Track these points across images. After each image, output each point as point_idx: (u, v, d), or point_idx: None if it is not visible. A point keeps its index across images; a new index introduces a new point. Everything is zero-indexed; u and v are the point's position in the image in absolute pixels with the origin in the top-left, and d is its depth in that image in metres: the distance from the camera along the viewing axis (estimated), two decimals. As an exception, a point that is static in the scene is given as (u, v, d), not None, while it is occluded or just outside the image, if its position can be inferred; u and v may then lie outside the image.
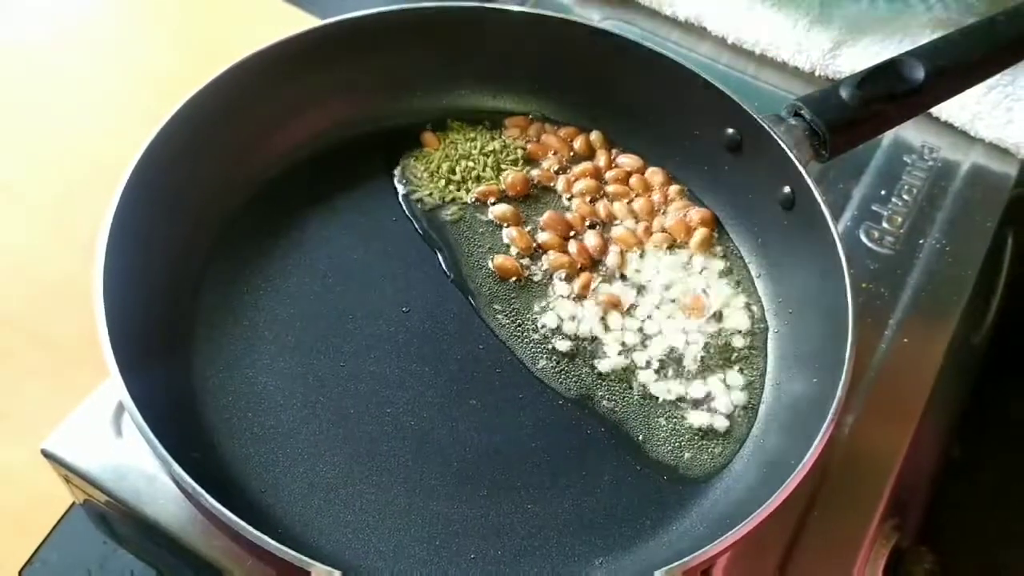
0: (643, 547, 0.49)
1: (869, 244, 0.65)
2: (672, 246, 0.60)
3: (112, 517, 0.53)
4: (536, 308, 0.57)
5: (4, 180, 0.76)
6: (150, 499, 0.50)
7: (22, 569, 0.59)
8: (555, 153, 0.63)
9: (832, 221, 0.52)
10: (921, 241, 0.65)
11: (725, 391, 0.54)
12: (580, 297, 0.57)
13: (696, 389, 0.54)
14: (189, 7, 0.91)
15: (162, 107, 0.54)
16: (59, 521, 0.60)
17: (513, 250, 0.59)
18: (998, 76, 0.66)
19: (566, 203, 0.62)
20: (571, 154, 0.64)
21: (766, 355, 0.56)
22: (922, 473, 0.59)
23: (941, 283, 0.63)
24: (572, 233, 0.60)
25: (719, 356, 0.56)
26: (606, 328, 0.56)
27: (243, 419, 0.51)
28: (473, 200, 0.61)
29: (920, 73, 0.56)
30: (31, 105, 0.81)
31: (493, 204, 0.61)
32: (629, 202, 0.62)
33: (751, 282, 0.59)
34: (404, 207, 0.61)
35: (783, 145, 0.55)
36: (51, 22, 0.87)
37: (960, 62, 0.58)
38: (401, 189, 0.61)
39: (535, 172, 0.62)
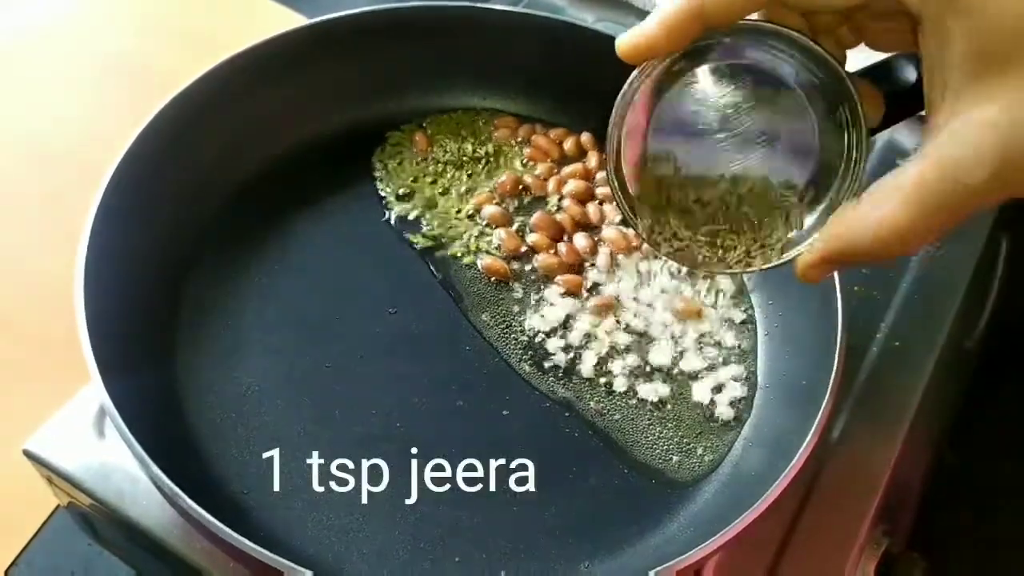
0: (630, 550, 0.48)
1: (861, 247, 0.64)
2: (662, 248, 0.59)
3: (95, 519, 0.53)
4: (524, 310, 0.57)
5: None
6: (133, 501, 0.49)
7: (7, 571, 0.58)
8: (547, 157, 0.63)
9: (822, 223, 0.52)
10: (914, 244, 0.65)
11: (714, 395, 0.54)
12: (569, 299, 0.57)
13: (685, 392, 0.54)
14: (175, 5, 0.91)
15: (146, 106, 0.54)
16: (44, 524, 0.60)
17: (502, 251, 0.59)
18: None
19: (556, 205, 0.61)
20: (561, 155, 0.63)
21: (756, 358, 0.56)
22: (913, 478, 0.58)
23: (933, 287, 0.63)
24: (562, 235, 0.60)
25: (708, 359, 0.55)
26: (594, 330, 0.56)
27: (227, 420, 0.51)
28: (457, 211, 0.61)
29: (913, 74, 0.56)
30: (13, 103, 0.81)
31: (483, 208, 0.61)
32: (619, 204, 0.61)
33: (741, 285, 0.58)
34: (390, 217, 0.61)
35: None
36: (34, 19, 0.87)
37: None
38: (388, 213, 0.61)
39: (528, 178, 0.62)
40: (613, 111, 0.40)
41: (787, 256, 0.41)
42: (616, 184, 0.41)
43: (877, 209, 0.35)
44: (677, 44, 0.37)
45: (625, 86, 0.39)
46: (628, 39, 0.37)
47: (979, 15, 0.32)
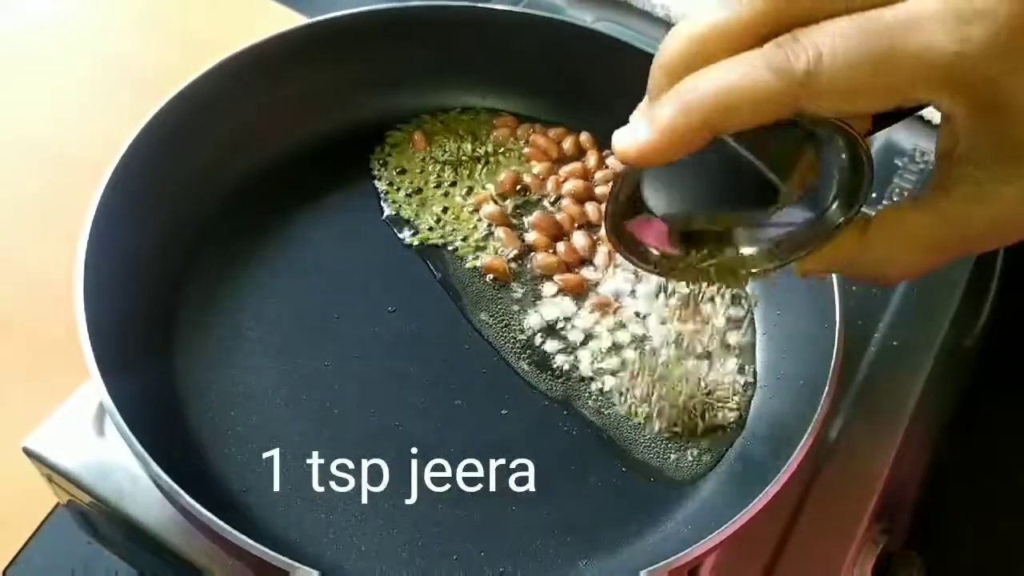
0: (628, 548, 0.49)
1: (860, 247, 0.64)
2: (661, 247, 0.60)
3: (95, 517, 0.53)
4: (523, 309, 0.57)
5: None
6: (132, 499, 0.49)
7: (5, 570, 0.58)
8: (546, 156, 0.63)
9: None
10: (912, 244, 0.65)
11: (712, 393, 0.54)
12: (567, 298, 0.57)
13: (684, 391, 0.54)
14: (175, 5, 0.91)
15: (146, 105, 0.54)
16: (43, 522, 0.60)
17: (501, 250, 0.59)
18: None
19: (555, 204, 0.61)
20: (560, 155, 0.64)
21: (754, 357, 0.56)
22: (912, 477, 0.58)
23: (932, 286, 0.63)
24: (561, 234, 0.60)
25: (707, 358, 0.55)
26: (593, 329, 0.56)
27: (225, 418, 0.51)
28: (456, 211, 0.61)
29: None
30: (13, 103, 0.81)
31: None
32: (618, 203, 0.61)
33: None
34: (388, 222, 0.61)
35: (772, 147, 0.54)
36: (32, 18, 0.87)
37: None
38: (387, 212, 0.61)
39: (527, 177, 0.62)
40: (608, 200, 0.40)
41: (784, 264, 0.41)
42: (615, 239, 0.41)
43: (882, 248, 0.37)
44: (682, 154, 0.34)
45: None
46: (625, 144, 0.34)
47: (1015, 116, 0.32)
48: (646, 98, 0.35)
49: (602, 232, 0.60)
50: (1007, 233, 0.35)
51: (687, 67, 0.33)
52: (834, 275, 0.50)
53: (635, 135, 0.34)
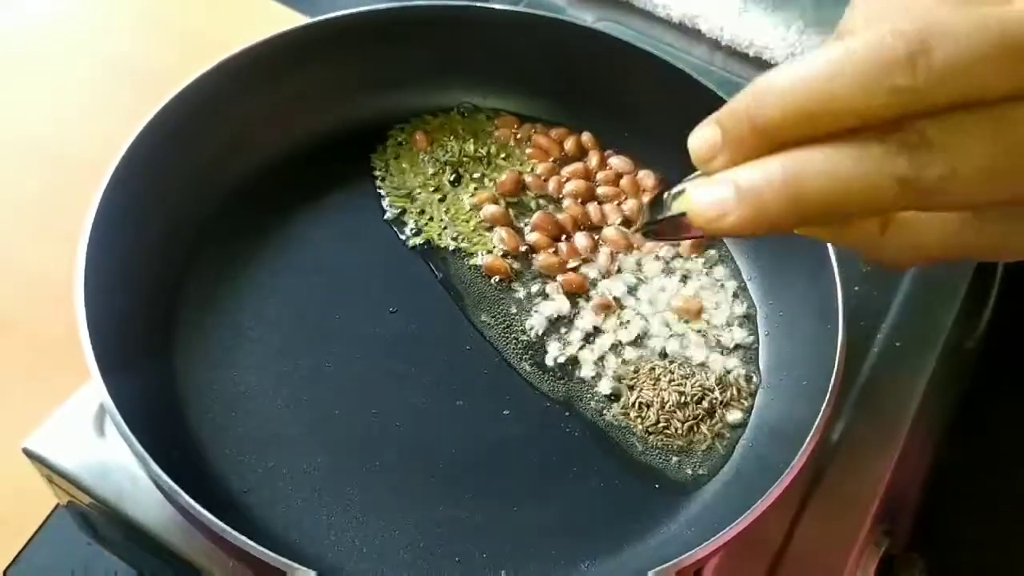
0: (630, 550, 0.48)
1: (862, 247, 0.64)
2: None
3: (95, 518, 0.52)
4: (524, 310, 0.57)
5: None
6: (132, 499, 0.49)
7: (6, 570, 0.58)
8: (548, 156, 0.63)
9: (823, 223, 0.52)
10: (914, 244, 0.65)
11: (715, 394, 0.54)
12: (569, 299, 0.57)
13: (685, 393, 0.54)
14: (175, 5, 0.91)
15: (146, 105, 0.53)
16: (43, 523, 0.60)
17: (502, 251, 0.59)
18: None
19: (556, 204, 0.61)
20: (562, 155, 0.63)
21: (757, 357, 0.56)
22: (913, 478, 0.58)
23: (934, 287, 0.62)
24: (562, 234, 0.60)
25: (710, 359, 0.55)
26: (595, 330, 0.56)
27: (226, 419, 0.51)
28: (457, 211, 0.61)
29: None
30: (13, 103, 0.81)
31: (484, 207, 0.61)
32: (619, 204, 0.61)
33: (743, 285, 0.58)
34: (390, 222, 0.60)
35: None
36: (32, 18, 0.87)
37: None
38: (389, 212, 0.61)
39: (528, 178, 0.62)
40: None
41: None
42: (653, 237, 0.41)
43: (894, 249, 0.37)
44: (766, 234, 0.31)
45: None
46: (710, 215, 0.31)
47: None
48: (710, 135, 0.33)
49: (604, 232, 0.60)
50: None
51: (787, 135, 0.30)
52: (837, 274, 0.50)
53: (723, 208, 0.30)
